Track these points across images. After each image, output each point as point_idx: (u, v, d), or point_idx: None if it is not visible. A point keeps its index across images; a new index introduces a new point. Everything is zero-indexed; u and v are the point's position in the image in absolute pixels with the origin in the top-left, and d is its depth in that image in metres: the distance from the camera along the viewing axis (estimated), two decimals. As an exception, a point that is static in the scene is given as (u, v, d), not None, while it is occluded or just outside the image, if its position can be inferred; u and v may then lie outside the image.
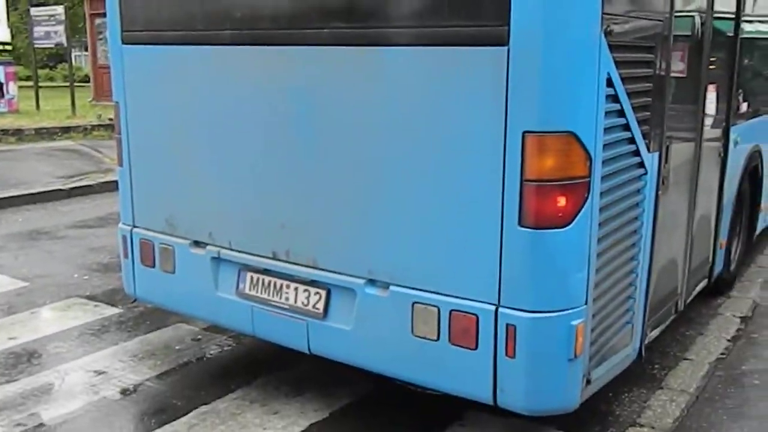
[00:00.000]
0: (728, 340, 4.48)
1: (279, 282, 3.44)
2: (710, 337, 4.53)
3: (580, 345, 2.85)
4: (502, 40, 2.63)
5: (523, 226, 2.71)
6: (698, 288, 4.57)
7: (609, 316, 3.15)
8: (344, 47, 3.05)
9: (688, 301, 4.36)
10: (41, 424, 3.54)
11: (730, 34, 4.51)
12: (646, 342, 3.61)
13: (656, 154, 3.36)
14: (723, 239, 4.85)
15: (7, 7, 18.16)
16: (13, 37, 18.41)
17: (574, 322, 2.81)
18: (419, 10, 2.90)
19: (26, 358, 4.31)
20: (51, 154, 11.89)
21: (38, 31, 17.28)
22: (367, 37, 2.98)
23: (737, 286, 5.43)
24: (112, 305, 5.18)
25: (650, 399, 3.73)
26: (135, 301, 4.32)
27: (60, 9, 17.27)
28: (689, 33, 3.84)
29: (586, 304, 2.87)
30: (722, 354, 4.29)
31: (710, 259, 4.71)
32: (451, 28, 2.77)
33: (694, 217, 4.14)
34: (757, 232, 5.91)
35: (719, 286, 5.11)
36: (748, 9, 4.72)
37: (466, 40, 2.73)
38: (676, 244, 3.99)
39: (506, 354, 2.82)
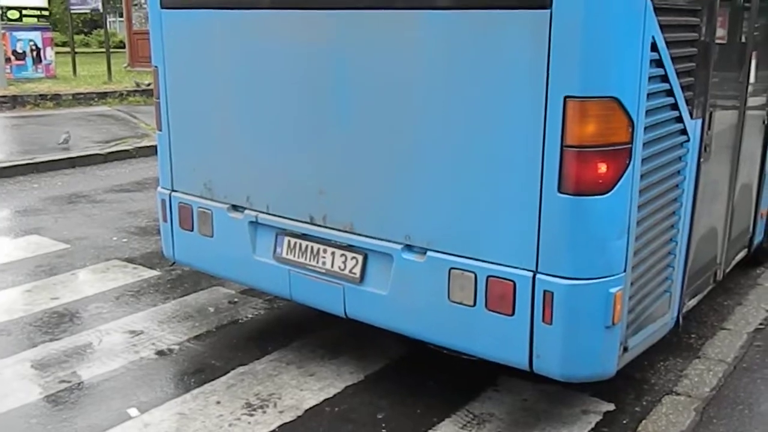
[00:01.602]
0: (767, 311, 4.42)
1: (316, 246, 3.47)
2: (749, 307, 4.47)
3: (618, 313, 2.83)
4: (545, 3, 2.58)
5: (562, 193, 2.69)
6: (738, 258, 4.50)
7: (647, 285, 3.13)
8: (384, 10, 3.02)
9: (727, 270, 4.30)
10: (83, 382, 3.64)
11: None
12: (684, 311, 3.58)
13: (699, 121, 3.29)
14: (764, 209, 4.76)
15: (43, -28, 18.28)
16: (49, 2, 18.54)
17: (613, 290, 2.79)
18: (460, -28, 2.86)
19: (68, 318, 4.42)
20: (88, 119, 12.05)
21: (74, -4, 17.41)
22: (408, 0, 2.95)
23: (777, 256, 5.34)
24: (151, 268, 5.28)
25: (687, 368, 3.72)
26: (173, 264, 4.39)
27: (96, -26, 17.36)
28: (732, -2, 3.74)
29: (624, 271, 2.84)
30: (761, 324, 4.24)
31: (750, 228, 4.63)
32: (493, -10, 2.73)
33: (735, 186, 4.07)
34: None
35: (759, 257, 5.03)
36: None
37: (507, 2, 2.69)
38: (717, 212, 3.93)
39: (543, 320, 2.82)
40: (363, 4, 3.07)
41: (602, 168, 2.69)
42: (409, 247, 3.14)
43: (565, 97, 2.61)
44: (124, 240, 5.98)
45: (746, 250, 4.65)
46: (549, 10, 2.58)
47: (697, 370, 3.67)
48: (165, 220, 4.14)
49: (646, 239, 3.02)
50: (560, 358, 2.86)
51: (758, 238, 4.80)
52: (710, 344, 3.97)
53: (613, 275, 2.80)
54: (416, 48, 2.95)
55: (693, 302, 3.79)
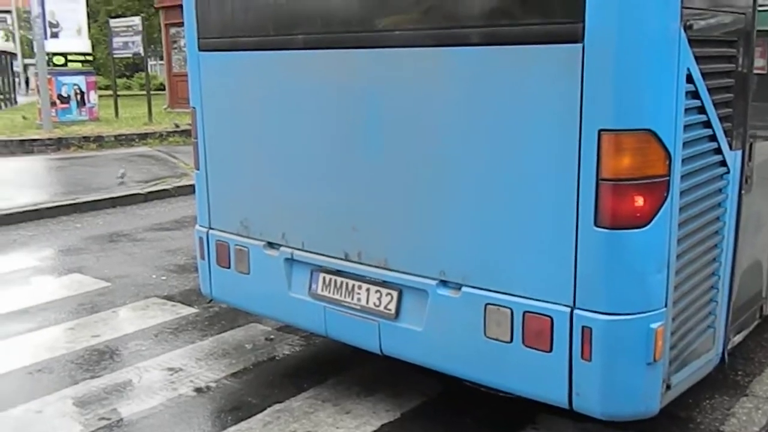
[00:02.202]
0: (817, 347, 4.28)
1: (351, 283, 3.47)
2: (797, 343, 4.33)
3: (660, 349, 2.77)
4: (577, 38, 2.58)
5: (599, 227, 2.66)
6: (784, 292, 4.37)
7: (690, 320, 3.06)
8: (415, 48, 3.06)
9: (774, 305, 4.18)
10: (123, 419, 3.67)
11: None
12: (729, 347, 3.48)
13: (739, 152, 3.23)
14: (810, 241, 4.63)
15: (88, 19, 18.92)
16: (93, 48, 19.16)
17: (654, 325, 2.73)
18: (491, 9, 2.89)
19: (108, 355, 4.48)
20: (129, 159, 12.34)
21: (117, 41, 18.00)
22: (438, 37, 2.98)
23: (826, 290, 5.17)
24: (189, 305, 5.33)
25: (734, 406, 3.60)
26: (210, 301, 4.43)
27: (137, 20, 17.93)
28: (772, 27, 3.69)
29: (665, 306, 2.78)
30: (810, 361, 4.10)
31: (797, 261, 4.50)
32: (523, 26, 2.75)
33: (779, 218, 3.97)
34: None
35: (806, 291, 4.87)
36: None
37: (539, 38, 2.70)
38: (760, 245, 3.83)
39: (582, 357, 2.76)
40: (393, 43, 3.11)
41: (639, 201, 2.65)
42: (444, 283, 3.12)
43: (600, 130, 2.60)
44: (163, 278, 6.06)
45: (793, 283, 4.51)
46: (581, 44, 2.58)
47: (745, 409, 3.55)
48: (202, 258, 4.19)
49: (687, 273, 2.96)
50: (600, 396, 2.79)
51: (805, 272, 4.66)
52: (758, 381, 3.84)
53: (654, 310, 2.74)
54: (448, 84, 2.97)
55: (739, 338, 3.68)
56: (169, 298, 5.54)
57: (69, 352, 4.53)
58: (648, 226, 2.67)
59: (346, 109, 3.33)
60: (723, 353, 3.40)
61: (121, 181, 9.71)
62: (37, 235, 7.70)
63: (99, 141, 14.12)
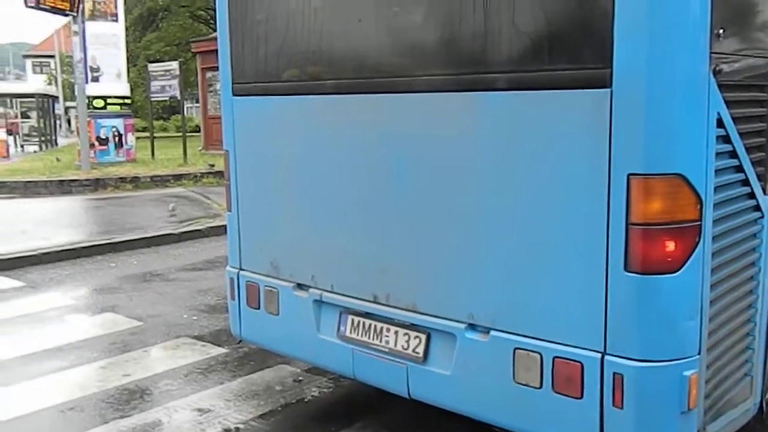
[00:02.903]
0: None
1: (379, 325, 3.46)
2: (839, 393, 4.18)
3: (694, 397, 2.70)
4: (605, 83, 2.60)
5: (629, 272, 2.63)
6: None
7: (725, 367, 2.98)
8: (443, 93, 3.10)
9: (813, 353, 4.06)
10: (151, 460, 3.68)
11: None
12: (767, 396, 3.38)
13: (773, 197, 3.19)
14: None
15: (128, 64, 19.49)
16: (131, 91, 19.70)
17: (687, 373, 2.67)
18: (519, 54, 2.92)
19: (138, 395, 4.50)
20: (164, 200, 12.56)
21: (155, 85, 18.47)
22: (466, 82, 3.02)
23: None
24: (219, 345, 5.36)
25: (773, 458, 3.49)
26: (240, 341, 4.45)
27: (175, 64, 18.43)
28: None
29: (699, 354, 2.73)
30: None
31: (837, 308, 4.38)
32: (551, 71, 2.77)
33: (817, 263, 3.88)
34: None
35: None
36: None
37: (567, 83, 2.71)
38: (798, 291, 3.75)
39: (613, 404, 2.71)
40: (421, 88, 3.15)
41: (670, 246, 2.62)
42: (472, 327, 3.10)
43: (629, 175, 2.59)
44: (194, 318, 6.11)
45: (833, 330, 4.39)
46: (609, 89, 2.59)
47: (785, 461, 3.43)
48: (233, 298, 4.22)
49: (721, 320, 2.90)
50: (633, 445, 2.72)
51: None
52: (798, 432, 3.72)
53: (687, 357, 2.69)
54: (476, 128, 3.00)
55: (777, 387, 3.58)
56: (200, 338, 5.58)
57: (100, 390, 4.56)
58: (680, 272, 2.64)
59: (376, 152, 3.37)
60: (761, 402, 3.30)
61: (171, 214, 9.96)
62: (73, 273, 7.84)
63: (135, 182, 14.42)
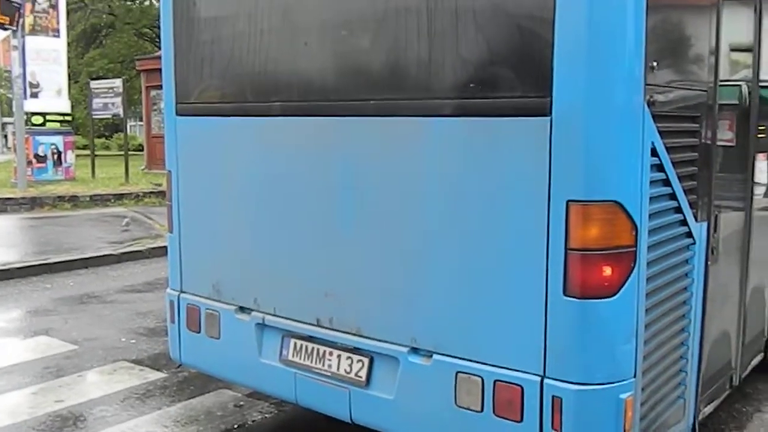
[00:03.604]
0: (787, 418, 4.29)
1: (322, 349, 3.44)
2: (768, 413, 4.34)
3: (630, 419, 2.76)
4: (545, 111, 2.66)
5: (568, 296, 2.68)
6: (754, 362, 4.40)
7: (659, 390, 3.06)
8: (389, 118, 3.12)
9: (744, 375, 4.20)
10: (84, 489, 3.55)
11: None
12: (700, 418, 3.48)
13: (704, 224, 3.31)
14: (778, 312, 4.69)
15: (69, 80, 19.06)
16: (72, 108, 19.25)
17: (623, 395, 2.73)
18: (463, 82, 2.97)
19: (72, 422, 4.35)
20: (104, 219, 12.26)
21: (97, 102, 18.08)
22: (411, 108, 3.05)
23: (795, 360, 5.21)
24: (157, 369, 5.23)
25: (706, 479, 3.57)
26: (180, 366, 4.35)
27: (118, 82, 18.10)
28: (735, 102, 3.83)
29: (634, 376, 2.79)
30: (781, 432, 4.10)
31: (765, 332, 4.55)
32: (493, 99, 2.82)
33: (746, 289, 4.03)
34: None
35: (776, 361, 4.91)
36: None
37: (508, 111, 2.77)
38: (729, 316, 3.88)
39: (552, 427, 2.74)
40: (368, 112, 3.17)
41: (607, 271, 2.69)
42: (415, 350, 3.11)
43: (568, 201, 2.65)
44: (133, 341, 5.96)
45: (762, 354, 4.55)
46: (549, 118, 2.66)
47: (717, 481, 3.52)
48: (173, 322, 4.14)
49: (655, 343, 2.98)
50: (572, 467, 2.76)
51: (774, 341, 4.71)
52: (730, 453, 3.83)
53: (623, 380, 2.75)
54: (421, 154, 3.03)
55: (709, 409, 3.68)
56: (138, 362, 5.43)
57: (31, 417, 4.39)
58: (616, 296, 2.70)
59: (321, 176, 3.36)
60: (694, 424, 3.40)
61: (124, 229, 9.75)
62: (5, 295, 7.55)
63: (74, 201, 14.04)
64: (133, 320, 6.58)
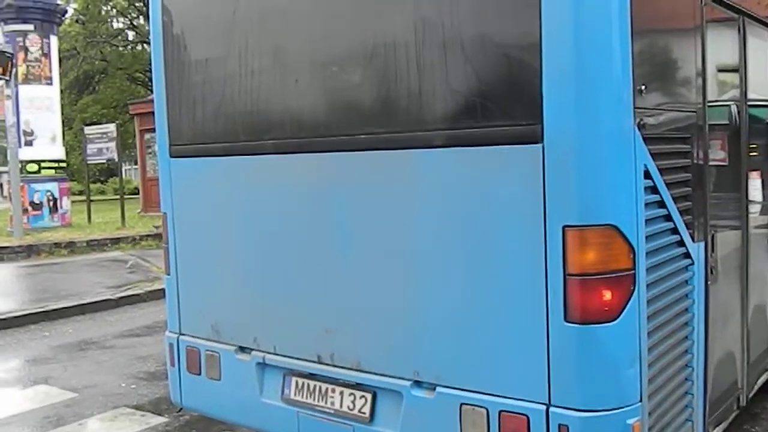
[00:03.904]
0: (797, 436, 4.24)
1: (324, 386, 3.40)
2: (777, 433, 4.29)
3: (638, 445, 2.72)
4: (536, 138, 2.67)
5: (569, 322, 2.67)
6: (761, 381, 4.37)
7: (667, 414, 3.03)
8: (380, 151, 3.13)
9: (751, 395, 4.16)
10: None
11: (767, 121, 4.51)
12: (709, 440, 3.44)
13: (702, 244, 3.31)
14: (781, 329, 4.67)
15: (63, 127, 19.16)
16: (67, 154, 19.32)
17: (630, 421, 2.69)
18: (453, 112, 2.98)
19: (73, 472, 4.28)
20: (101, 264, 12.22)
21: (91, 148, 18.15)
22: (403, 140, 3.06)
23: (802, 377, 5.17)
24: (159, 414, 5.16)
25: (718, 502, 3.52)
26: (181, 409, 4.30)
27: (112, 127, 18.20)
28: (724, 122, 3.86)
29: (641, 401, 2.76)
30: (792, 451, 4.06)
31: (769, 349, 4.52)
32: (485, 128, 2.83)
33: (748, 307, 4.02)
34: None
35: (782, 379, 4.87)
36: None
37: (500, 139, 2.78)
38: (732, 335, 3.86)
39: (560, 456, 2.71)
40: (359, 146, 3.19)
41: (607, 295, 2.68)
42: (418, 384, 3.08)
43: (564, 227, 2.65)
44: (133, 386, 5.89)
45: (768, 372, 4.52)
46: (541, 145, 2.67)
47: (730, 504, 3.47)
48: (173, 365, 4.10)
49: (660, 366, 2.95)
50: (581, 496, 2.71)
51: (779, 360, 4.67)
52: (741, 475, 3.78)
53: (629, 405, 2.72)
54: (415, 186, 3.04)
55: (718, 430, 3.64)
56: (139, 407, 5.37)
57: (31, 469, 4.33)
58: (617, 320, 2.68)
59: (315, 211, 3.36)
60: (703, 447, 3.35)
61: (131, 271, 9.75)
62: (3, 345, 7.49)
63: (71, 247, 14.01)
64: (132, 365, 6.52)
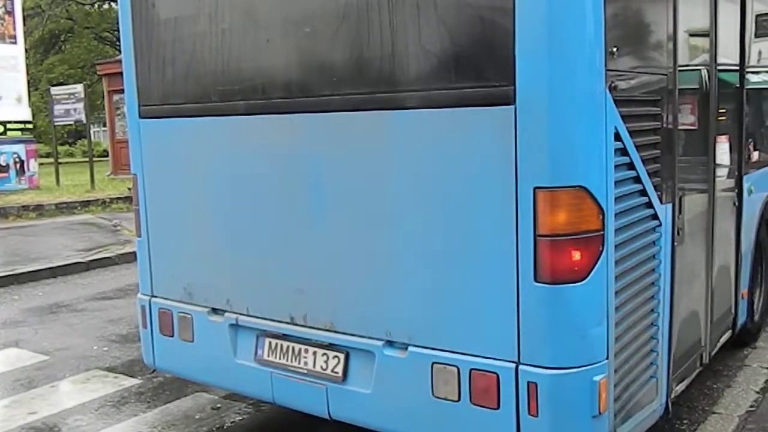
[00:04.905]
0: (757, 392, 4.38)
1: (297, 347, 3.43)
2: (738, 389, 4.43)
3: (604, 401, 2.80)
4: (509, 100, 2.68)
5: (539, 282, 2.71)
6: (722, 339, 4.49)
7: (632, 371, 3.11)
8: (354, 112, 3.12)
9: (713, 353, 4.29)
10: (61, 500, 3.50)
11: (736, 86, 4.56)
12: (673, 396, 3.54)
13: (669, 206, 3.36)
14: (744, 289, 4.79)
15: (29, 87, 18.72)
16: (34, 116, 18.90)
17: (597, 378, 2.77)
18: (426, 73, 2.98)
19: (46, 433, 4.29)
20: (70, 227, 12.06)
21: (58, 109, 17.77)
22: (376, 101, 3.06)
23: (763, 336, 5.33)
24: (132, 376, 5.17)
25: (680, 456, 3.64)
26: (154, 371, 4.32)
27: (79, 87, 17.82)
28: (694, 86, 3.90)
29: (607, 359, 2.83)
30: (751, 406, 4.19)
31: (732, 309, 4.64)
32: (457, 90, 2.84)
33: (712, 268, 4.11)
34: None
35: (744, 337, 5.02)
36: (752, 60, 4.79)
37: (473, 101, 2.79)
38: (696, 295, 3.95)
39: (529, 413, 2.77)
40: (333, 107, 3.17)
41: (576, 256, 2.72)
42: (390, 343, 3.12)
43: (535, 188, 2.68)
44: (105, 349, 5.88)
45: (731, 331, 4.65)
46: (513, 106, 2.68)
47: (692, 457, 3.59)
48: (145, 327, 4.09)
49: (626, 325, 3.02)
50: (549, 452, 2.79)
51: (741, 319, 4.81)
52: (702, 429, 3.91)
53: (596, 363, 2.79)
54: (388, 147, 3.04)
55: (681, 387, 3.75)
56: (111, 369, 5.37)
57: (3, 431, 4.32)
58: (586, 280, 2.74)
59: (288, 172, 3.35)
60: (667, 403, 3.45)
61: (116, 228, 9.74)
62: (-29, 309, 7.41)
63: (39, 210, 13.79)
64: (104, 328, 6.50)
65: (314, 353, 3.38)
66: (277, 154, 3.39)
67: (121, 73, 4.08)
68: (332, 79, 3.21)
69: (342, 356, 3.29)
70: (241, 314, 3.61)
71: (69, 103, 17.59)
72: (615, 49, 2.80)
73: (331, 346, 3.32)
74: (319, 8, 3.25)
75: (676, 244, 3.42)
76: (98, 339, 6.16)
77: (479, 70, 2.81)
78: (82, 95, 17.30)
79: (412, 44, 2.96)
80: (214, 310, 3.72)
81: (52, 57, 33.05)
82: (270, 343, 3.53)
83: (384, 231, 3.09)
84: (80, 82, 20.55)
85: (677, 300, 3.47)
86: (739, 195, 4.56)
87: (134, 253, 4.31)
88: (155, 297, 4.02)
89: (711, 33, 3.97)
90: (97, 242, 10.59)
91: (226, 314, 3.67)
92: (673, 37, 3.36)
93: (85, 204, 14.49)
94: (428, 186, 2.94)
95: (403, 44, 2.97)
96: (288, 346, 3.46)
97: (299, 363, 3.42)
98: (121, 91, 4.22)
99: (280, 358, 3.49)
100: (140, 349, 4.27)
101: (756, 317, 5.23)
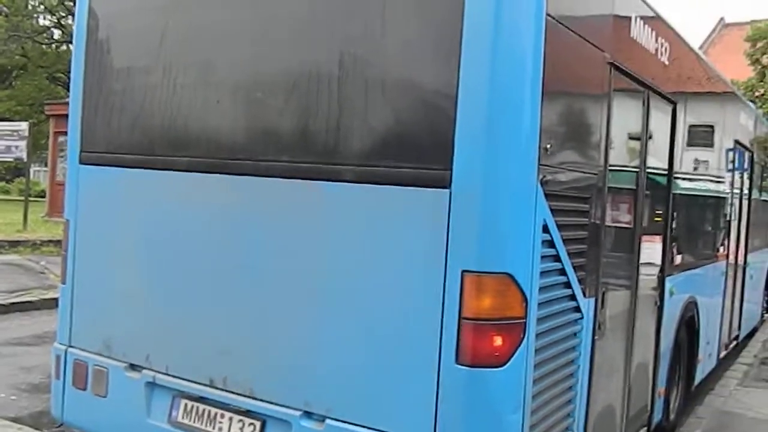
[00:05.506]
0: (667, 492, 4.43)
1: (213, 411, 3.35)
2: (650, 487, 4.47)
3: (513, 491, 2.80)
4: (445, 183, 2.77)
5: (459, 364, 2.74)
6: (638, 436, 4.56)
7: (546, 461, 3.12)
8: (294, 180, 3.16)
9: (628, 450, 4.34)
10: None
11: (664, 190, 4.78)
12: (585, 489, 3.55)
13: (592, 300, 3.46)
14: (661, 387, 4.91)
15: (-29, 120, 18.27)
16: (-28, 149, 18.36)
17: (506, 467, 2.78)
18: (368, 149, 3.05)
19: (-65, 484, 4.03)
20: (-6, 268, 11.61)
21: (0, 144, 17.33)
22: (317, 172, 3.10)
23: (677, 436, 5.43)
24: (37, 429, 4.91)
25: None
26: (61, 425, 4.13)
27: (24, 125, 17.44)
28: (624, 186, 4.08)
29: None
30: (661, 506, 4.23)
31: (649, 407, 4.74)
32: (397, 168, 2.91)
33: (631, 364, 4.21)
34: (696, 382, 5.99)
35: (659, 435, 5.10)
36: (682, 167, 5.04)
37: (410, 180, 2.87)
38: (614, 389, 4.03)
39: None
40: (272, 173, 3.21)
41: (498, 341, 2.77)
42: (308, 414, 3.08)
43: (463, 271, 2.74)
44: (13, 397, 5.60)
45: (646, 428, 4.72)
46: (449, 190, 2.77)
47: None
48: (57, 377, 3.94)
49: (542, 414, 3.06)
50: None
51: (657, 417, 4.90)
52: None
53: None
54: (323, 217, 3.08)
55: (594, 480, 3.77)
56: (17, 419, 5.10)
57: None
58: (506, 366, 2.78)
59: (221, 233, 3.35)
60: (579, 497, 3.46)
61: (42, 272, 9.38)
62: None
63: (-36, 246, 13.28)
64: (16, 375, 6.20)
65: (230, 419, 3.31)
66: (212, 214, 3.39)
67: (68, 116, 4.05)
68: (276, 146, 3.26)
69: (258, 424, 3.23)
70: (159, 372, 3.52)
71: (11, 139, 17.16)
72: (549, 146, 2.94)
73: (248, 413, 3.25)
74: (272, 75, 3.33)
75: (596, 338, 3.51)
76: (8, 387, 5.86)
77: (420, 152, 2.90)
78: (26, 134, 16.92)
79: (358, 120, 3.04)
80: (132, 366, 3.62)
81: (1, 92, 32.46)
82: (186, 405, 3.44)
83: (311, 301, 3.09)
84: (27, 120, 20.15)
85: (594, 393, 3.53)
86: (661, 295, 4.72)
87: (57, 298, 4.18)
88: (72, 347, 3.89)
89: (643, 138, 4.19)
90: (21, 285, 10.19)
91: (144, 371, 3.57)
92: (606, 139, 3.53)
93: (14, 244, 14.00)
94: (359, 260, 2.97)
95: (349, 119, 3.05)
96: (204, 410, 3.38)
97: (213, 428, 3.33)
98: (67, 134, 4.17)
99: (194, 422, 3.40)
100: (50, 400, 4.09)
101: (672, 416, 5.34)
